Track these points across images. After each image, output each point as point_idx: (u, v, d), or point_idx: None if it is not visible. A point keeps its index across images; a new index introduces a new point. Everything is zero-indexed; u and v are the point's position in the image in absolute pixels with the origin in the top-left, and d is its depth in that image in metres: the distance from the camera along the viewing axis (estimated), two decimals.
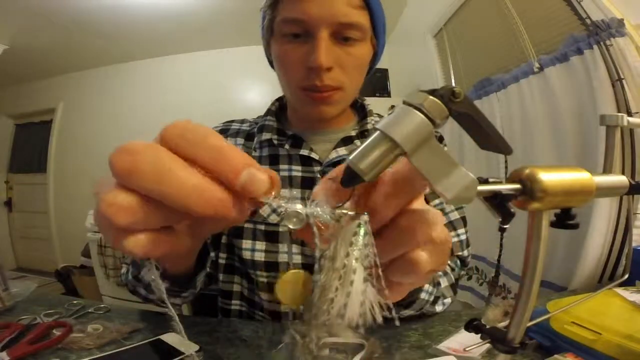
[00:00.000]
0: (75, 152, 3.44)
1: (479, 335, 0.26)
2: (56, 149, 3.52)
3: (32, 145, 3.70)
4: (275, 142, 0.64)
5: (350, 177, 0.21)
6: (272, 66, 0.65)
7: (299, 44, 0.54)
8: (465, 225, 0.68)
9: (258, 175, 0.19)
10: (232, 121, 0.74)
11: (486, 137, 0.22)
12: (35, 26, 2.56)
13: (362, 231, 0.21)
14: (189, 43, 3.09)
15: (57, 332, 0.56)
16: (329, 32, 0.53)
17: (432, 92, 0.20)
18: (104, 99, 3.43)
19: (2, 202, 3.83)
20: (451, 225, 0.66)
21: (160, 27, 2.75)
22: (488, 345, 0.26)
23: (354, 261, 0.21)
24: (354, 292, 0.20)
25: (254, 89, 3.12)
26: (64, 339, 0.54)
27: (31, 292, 0.77)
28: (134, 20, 2.62)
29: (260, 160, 0.65)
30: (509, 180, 0.23)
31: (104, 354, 0.51)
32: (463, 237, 0.67)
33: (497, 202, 0.22)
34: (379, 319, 0.21)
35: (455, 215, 0.67)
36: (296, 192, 0.62)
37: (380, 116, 0.72)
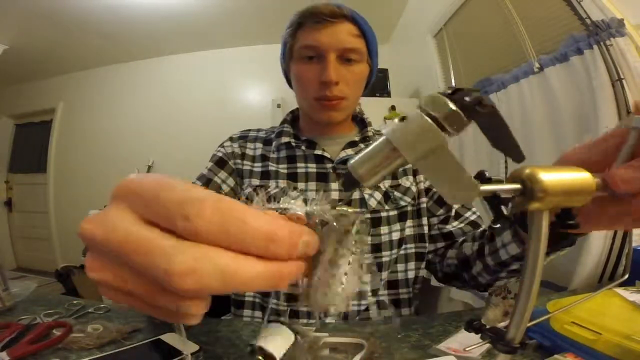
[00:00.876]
0: (75, 152, 3.45)
1: (479, 335, 0.26)
2: (56, 149, 3.53)
3: (32, 145, 3.70)
4: (293, 144, 0.77)
5: (350, 182, 0.21)
6: (289, 85, 0.79)
7: (313, 64, 0.70)
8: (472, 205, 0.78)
9: (311, 241, 0.19)
10: (249, 130, 0.85)
11: (502, 141, 0.22)
12: (35, 26, 2.56)
13: (354, 229, 0.21)
14: (189, 43, 3.09)
15: (57, 332, 0.56)
16: (336, 55, 0.68)
17: (454, 97, 0.18)
18: (104, 98, 3.43)
19: (2, 202, 3.83)
20: (463, 207, 0.75)
21: (161, 27, 2.75)
22: (488, 345, 0.26)
23: (346, 258, 0.21)
24: (340, 286, 0.21)
25: (254, 89, 3.12)
26: (64, 339, 0.54)
27: (31, 292, 0.77)
28: (134, 20, 2.62)
29: (278, 160, 0.77)
30: (509, 180, 0.23)
31: (104, 354, 0.51)
32: (477, 213, 0.76)
33: (497, 203, 0.22)
34: (350, 309, 0.23)
35: (474, 216, 0.76)
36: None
37: (377, 132, 0.83)
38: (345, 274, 0.21)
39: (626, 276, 0.58)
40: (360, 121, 0.85)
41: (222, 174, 0.76)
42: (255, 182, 0.75)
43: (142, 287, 0.17)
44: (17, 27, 2.56)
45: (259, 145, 0.80)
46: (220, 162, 0.78)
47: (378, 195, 0.73)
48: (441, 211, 0.75)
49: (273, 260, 0.18)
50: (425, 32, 2.23)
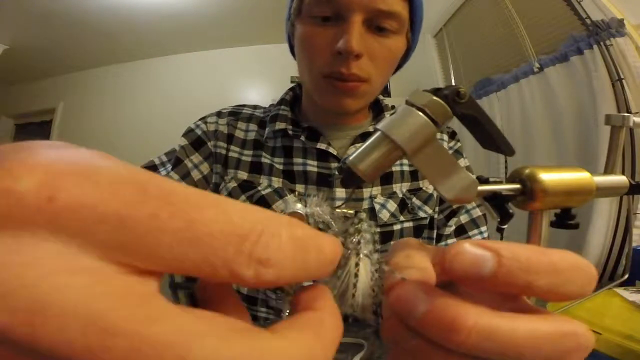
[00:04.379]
0: None
1: None
2: None
3: None
4: (290, 132, 0.58)
5: (350, 178, 0.21)
6: (292, 54, 0.59)
7: (328, 27, 0.49)
8: (486, 222, 0.65)
9: None
10: (244, 105, 0.67)
11: (489, 138, 0.22)
12: (35, 26, 2.56)
13: (354, 229, 0.21)
14: (189, 43, 3.10)
15: None
16: (363, 18, 0.47)
17: (436, 92, 0.20)
18: (104, 99, 3.43)
19: None
20: (473, 223, 0.64)
21: (161, 27, 2.76)
22: None
23: (353, 263, 0.21)
24: (352, 290, 0.20)
25: (254, 89, 3.12)
26: None
27: None
28: (134, 20, 2.62)
29: (274, 151, 0.59)
30: (509, 180, 0.23)
31: None
32: (485, 234, 0.65)
33: (497, 203, 0.22)
34: (369, 316, 0.21)
35: (477, 213, 0.64)
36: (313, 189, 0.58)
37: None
38: (356, 275, 0.20)
39: (626, 276, 0.58)
40: (375, 104, 0.65)
41: (196, 158, 0.59)
42: (243, 175, 0.58)
43: None
44: (17, 27, 2.56)
45: (253, 127, 0.61)
46: (196, 142, 0.60)
47: (392, 206, 0.58)
48: (447, 230, 0.63)
49: None
50: (425, 32, 2.23)
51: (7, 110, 3.80)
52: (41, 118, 3.65)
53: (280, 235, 0.11)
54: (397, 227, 0.58)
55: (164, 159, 0.61)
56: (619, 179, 0.27)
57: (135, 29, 2.74)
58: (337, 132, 0.60)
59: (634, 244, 0.86)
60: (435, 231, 0.63)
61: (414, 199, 0.60)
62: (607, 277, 0.96)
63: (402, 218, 0.58)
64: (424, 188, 0.62)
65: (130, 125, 3.32)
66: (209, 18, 2.69)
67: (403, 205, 0.59)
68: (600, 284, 0.96)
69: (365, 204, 0.58)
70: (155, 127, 3.32)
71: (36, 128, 3.69)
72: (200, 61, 3.26)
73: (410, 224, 0.59)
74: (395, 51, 0.52)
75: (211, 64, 3.24)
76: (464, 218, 0.64)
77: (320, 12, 0.49)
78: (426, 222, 0.61)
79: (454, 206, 0.64)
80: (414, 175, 0.62)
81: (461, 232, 0.62)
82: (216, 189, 0.59)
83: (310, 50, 0.51)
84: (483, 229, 0.64)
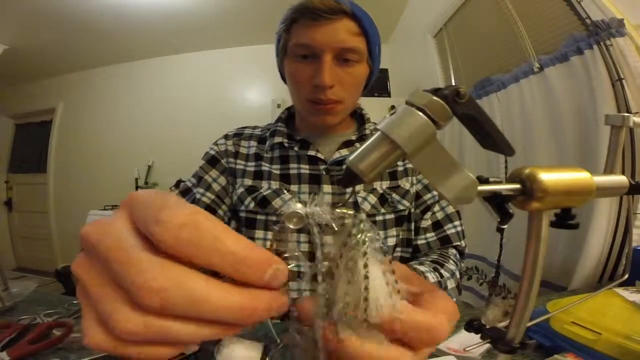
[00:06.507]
0: (75, 152, 3.45)
1: (479, 335, 0.26)
2: (56, 149, 3.53)
3: (32, 145, 3.70)
4: (286, 144, 0.73)
5: (350, 178, 0.21)
6: (283, 80, 0.74)
7: (307, 63, 0.64)
8: (460, 218, 0.75)
9: (281, 269, 0.18)
10: (245, 127, 0.82)
11: (489, 138, 0.22)
12: (35, 26, 2.56)
13: (356, 229, 0.21)
14: (189, 43, 3.09)
15: (57, 332, 0.56)
16: (332, 55, 0.63)
17: (436, 92, 0.20)
18: (104, 99, 3.43)
19: (2, 202, 3.83)
20: (448, 218, 0.73)
21: (161, 27, 2.75)
22: (488, 345, 0.26)
23: (359, 261, 0.20)
24: (364, 292, 0.20)
25: (254, 88, 3.12)
26: (64, 339, 0.54)
27: (31, 292, 0.77)
28: (134, 20, 2.62)
29: (272, 160, 0.74)
30: (509, 180, 0.23)
31: (104, 354, 0.51)
32: (459, 228, 0.73)
33: (497, 203, 0.22)
34: (398, 307, 0.20)
35: (450, 209, 0.74)
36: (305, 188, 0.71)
37: (376, 124, 0.76)
38: (366, 277, 0.20)
39: (626, 276, 0.58)
40: (359, 117, 0.81)
41: (214, 173, 0.73)
42: (248, 182, 0.72)
43: (113, 294, 0.17)
44: (17, 27, 2.56)
45: (254, 143, 0.77)
46: (212, 161, 0.75)
47: (372, 199, 0.69)
48: (423, 223, 0.72)
49: (247, 290, 0.17)
50: (425, 32, 2.23)
51: (7, 110, 3.80)
52: (41, 118, 3.65)
53: (180, 209, 0.17)
54: (379, 217, 0.69)
55: (194, 180, 0.74)
56: (619, 179, 0.27)
57: (136, 29, 2.74)
58: (324, 140, 0.74)
59: (634, 244, 0.86)
60: (413, 223, 0.73)
61: (394, 194, 0.71)
62: (607, 277, 0.97)
63: (383, 210, 0.69)
64: (401, 185, 0.73)
65: (130, 125, 3.32)
66: (209, 18, 2.69)
67: (383, 199, 0.70)
68: (600, 284, 0.96)
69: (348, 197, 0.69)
70: (155, 127, 3.32)
71: (36, 128, 3.70)
72: (200, 61, 3.27)
73: (392, 215, 0.70)
74: (359, 76, 0.67)
75: (211, 64, 3.25)
76: (440, 214, 0.73)
77: (300, 52, 0.64)
78: (405, 213, 0.72)
79: (429, 202, 0.74)
80: (393, 175, 0.74)
81: (438, 227, 0.73)
82: (227, 195, 0.74)
83: (297, 82, 0.67)
84: (457, 223, 0.74)
